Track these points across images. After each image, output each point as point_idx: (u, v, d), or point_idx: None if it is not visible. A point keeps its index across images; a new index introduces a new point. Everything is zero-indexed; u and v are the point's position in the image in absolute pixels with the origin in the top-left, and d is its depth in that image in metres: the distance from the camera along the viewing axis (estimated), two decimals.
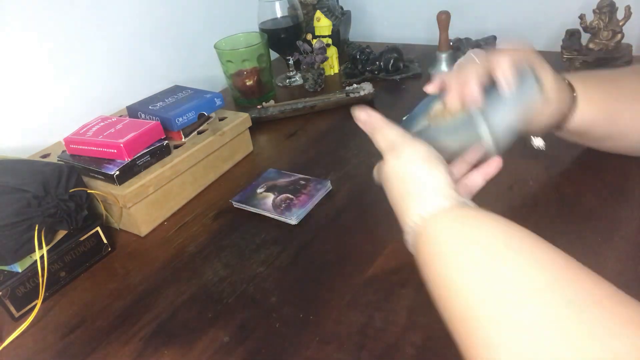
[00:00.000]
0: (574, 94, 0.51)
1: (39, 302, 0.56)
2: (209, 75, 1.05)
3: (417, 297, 0.49)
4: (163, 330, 0.51)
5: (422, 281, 0.38)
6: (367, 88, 0.90)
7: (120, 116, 0.76)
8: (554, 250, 0.33)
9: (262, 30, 0.99)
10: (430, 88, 0.49)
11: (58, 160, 0.69)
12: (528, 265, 0.32)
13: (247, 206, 0.66)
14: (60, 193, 0.57)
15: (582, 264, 0.49)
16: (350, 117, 0.48)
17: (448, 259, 0.36)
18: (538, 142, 0.65)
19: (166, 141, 0.69)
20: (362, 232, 0.60)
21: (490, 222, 0.37)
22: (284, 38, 0.99)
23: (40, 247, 0.55)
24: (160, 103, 0.75)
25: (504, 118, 0.45)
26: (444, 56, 0.93)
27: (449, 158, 0.45)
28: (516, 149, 0.65)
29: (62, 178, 0.58)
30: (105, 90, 0.88)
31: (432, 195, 0.40)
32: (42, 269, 0.55)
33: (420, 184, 0.41)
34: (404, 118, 0.50)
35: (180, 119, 0.71)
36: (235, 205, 0.68)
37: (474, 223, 0.37)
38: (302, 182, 0.68)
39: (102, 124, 0.69)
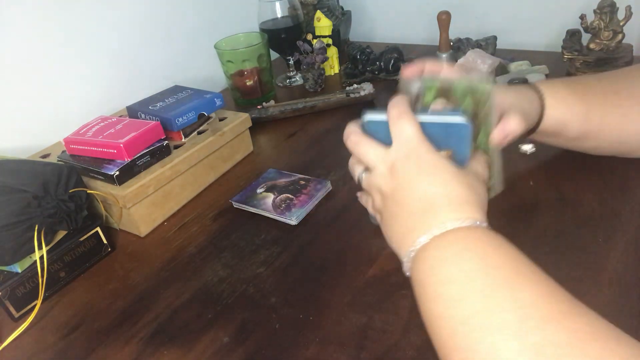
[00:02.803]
0: (540, 93, 0.53)
1: (38, 302, 0.56)
2: (209, 75, 1.05)
3: None
4: (163, 330, 0.51)
5: None
6: (367, 88, 0.90)
7: (120, 116, 0.76)
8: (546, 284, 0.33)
9: (263, 30, 0.99)
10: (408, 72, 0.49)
11: (58, 161, 0.69)
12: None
13: (247, 206, 0.66)
14: (60, 193, 0.57)
15: (583, 264, 0.49)
16: (350, 117, 0.48)
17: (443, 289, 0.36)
18: (526, 147, 0.65)
19: (166, 141, 0.69)
20: (362, 232, 0.59)
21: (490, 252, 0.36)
22: (284, 38, 0.99)
23: (40, 247, 0.55)
24: (160, 103, 0.75)
25: None
26: (444, 56, 0.93)
27: None
28: (516, 150, 0.66)
29: (62, 178, 0.58)
30: (105, 90, 0.88)
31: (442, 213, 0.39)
32: (42, 269, 0.55)
33: (429, 198, 0.40)
34: None
35: (180, 119, 0.71)
36: (235, 206, 0.68)
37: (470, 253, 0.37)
38: (302, 182, 0.68)
39: (102, 124, 0.69)
